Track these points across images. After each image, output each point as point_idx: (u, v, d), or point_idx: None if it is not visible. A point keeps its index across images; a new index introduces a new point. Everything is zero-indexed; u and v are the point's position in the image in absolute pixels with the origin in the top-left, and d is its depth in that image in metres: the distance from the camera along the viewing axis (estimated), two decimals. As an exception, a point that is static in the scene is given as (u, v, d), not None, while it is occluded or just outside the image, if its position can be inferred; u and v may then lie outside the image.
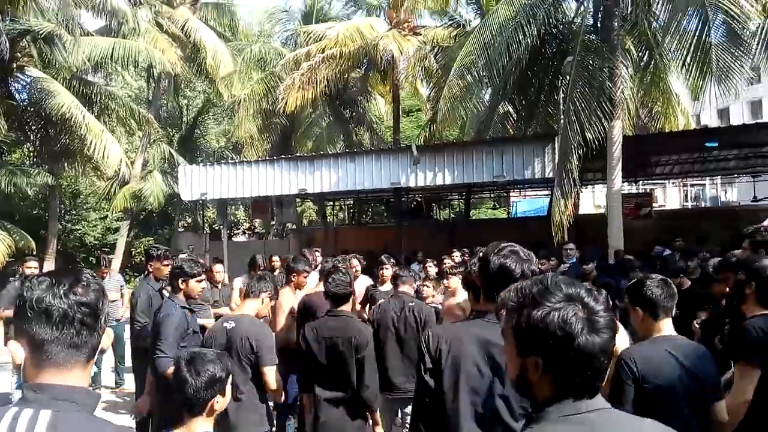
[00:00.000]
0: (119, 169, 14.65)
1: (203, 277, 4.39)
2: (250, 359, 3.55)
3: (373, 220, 26.20)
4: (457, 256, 8.15)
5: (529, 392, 1.31)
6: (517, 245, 2.27)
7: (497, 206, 25.47)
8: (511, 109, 13.63)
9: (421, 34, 15.52)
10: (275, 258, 7.62)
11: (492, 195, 22.11)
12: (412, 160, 11.47)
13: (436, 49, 14.97)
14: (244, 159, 16.73)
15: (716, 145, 12.27)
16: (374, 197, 20.85)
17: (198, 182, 13.03)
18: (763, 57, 9.79)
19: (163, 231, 22.77)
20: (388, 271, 6.17)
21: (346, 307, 3.76)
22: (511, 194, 23.17)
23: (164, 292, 5.08)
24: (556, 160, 10.18)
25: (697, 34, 8.61)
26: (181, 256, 6.67)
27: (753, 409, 2.62)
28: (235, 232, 29.01)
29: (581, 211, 16.18)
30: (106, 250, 20.23)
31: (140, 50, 14.90)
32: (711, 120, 31.78)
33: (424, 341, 2.31)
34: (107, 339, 1.37)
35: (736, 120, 29.98)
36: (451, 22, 15.39)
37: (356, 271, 6.21)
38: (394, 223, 17.77)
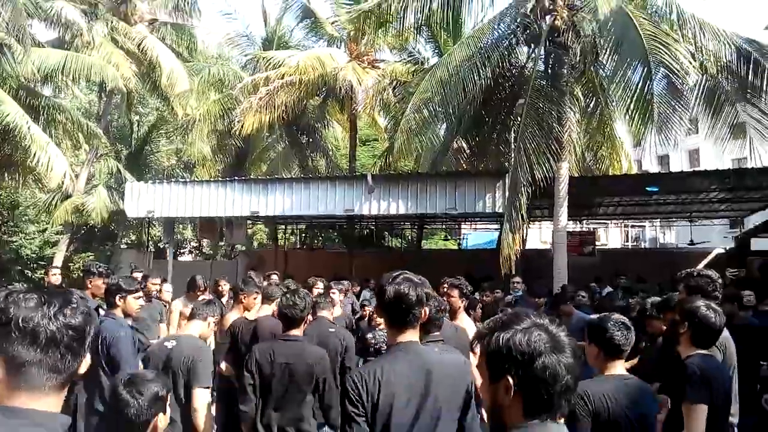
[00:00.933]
0: (63, 182, 14.11)
1: (141, 294, 4.30)
2: (185, 376, 3.47)
3: (324, 245, 26.07)
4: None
5: (501, 419, 1.37)
6: (409, 272, 2.33)
7: (448, 237, 25.84)
8: (464, 145, 13.98)
9: (380, 68, 15.82)
10: (222, 282, 7.44)
11: (444, 226, 22.45)
12: (366, 189, 11.57)
13: (394, 83, 15.26)
14: (195, 178, 16.47)
15: (657, 190, 12.92)
16: (327, 223, 20.81)
17: (145, 199, 12.71)
18: (700, 110, 10.48)
19: (104, 247, 21.90)
20: (335, 296, 6.20)
21: (298, 332, 3.71)
22: (463, 226, 23.58)
23: (100, 310, 4.91)
24: (506, 196, 10.48)
25: (639, 85, 9.09)
26: (135, 274, 6.46)
27: None
28: (181, 251, 28.24)
29: (528, 246, 16.60)
30: (43, 264, 19.30)
31: (93, 65, 14.57)
32: (652, 165, 33.39)
33: (350, 386, 2.16)
34: (84, 365, 1.29)
35: (675, 167, 31.62)
36: (410, 58, 15.77)
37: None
38: (346, 250, 17.75)
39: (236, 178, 13.60)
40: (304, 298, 3.77)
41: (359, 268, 15.15)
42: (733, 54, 9.68)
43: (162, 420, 2.28)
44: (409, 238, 22.69)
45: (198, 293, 6.39)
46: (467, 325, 4.69)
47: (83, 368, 1.29)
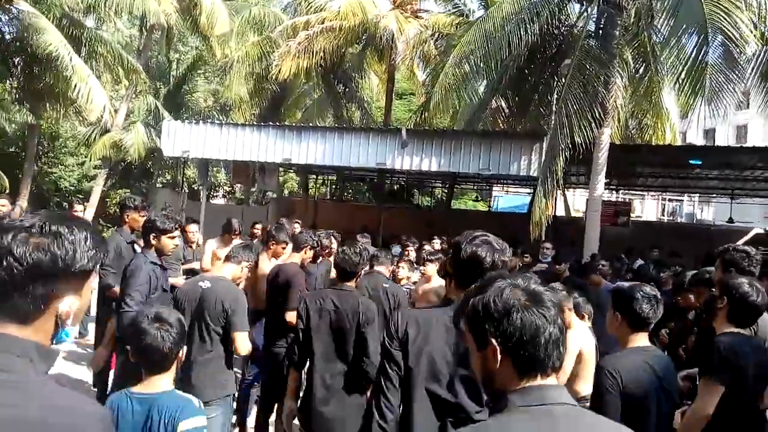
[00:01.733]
0: (102, 116, 14.32)
1: (177, 233, 4.32)
2: (221, 322, 3.52)
3: (354, 198, 26.17)
4: (436, 243, 8.19)
5: (494, 386, 1.34)
6: (491, 235, 2.27)
7: (479, 198, 25.62)
8: (503, 104, 13.64)
9: (423, 18, 15.39)
10: (258, 225, 7.54)
11: (475, 187, 22.23)
12: (400, 143, 11.43)
13: (436, 35, 14.85)
14: (231, 121, 16.52)
15: (700, 163, 12.47)
16: (358, 175, 20.80)
17: (181, 139, 12.82)
18: (755, 83, 9.95)
19: (140, 185, 22.40)
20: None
21: (352, 284, 3.73)
22: (494, 188, 23.33)
23: (136, 246, 5.01)
24: (543, 160, 10.24)
25: (694, 53, 8.67)
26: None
27: (715, 422, 2.76)
28: (214, 194, 28.72)
29: (560, 213, 16.35)
30: (80, 197, 19.88)
31: (135, -2, 14.50)
32: (697, 139, 32.22)
33: (393, 322, 2.29)
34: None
35: (721, 142, 30.46)
36: (454, 9, 15.26)
37: (329, 251, 6.13)
38: (375, 204, 17.79)
39: (271, 123, 13.57)
40: (360, 252, 3.77)
41: (387, 223, 15.19)
42: (800, 25, 9.09)
43: (183, 352, 2.40)
44: (439, 196, 22.56)
45: (233, 236, 6.47)
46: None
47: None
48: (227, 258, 3.84)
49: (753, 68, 9.75)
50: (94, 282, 1.52)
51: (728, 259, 3.59)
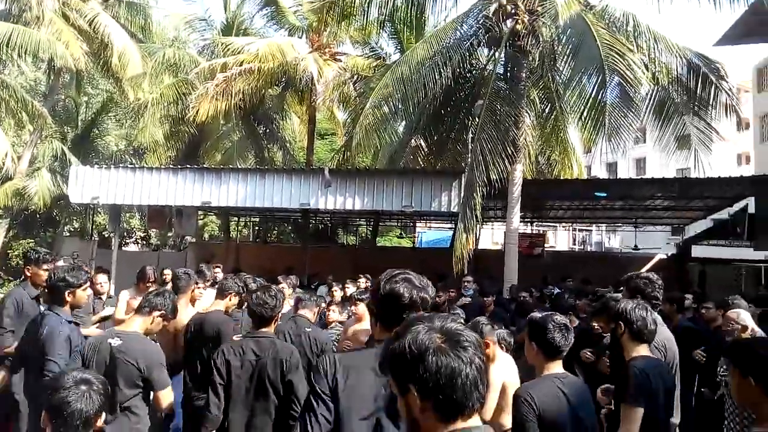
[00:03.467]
0: (3, 163, 13.40)
1: (88, 284, 4.09)
2: (135, 382, 3.30)
3: (279, 239, 25.77)
4: (362, 282, 8.18)
5: None
6: (411, 273, 2.27)
7: (403, 235, 25.98)
8: (423, 143, 14.04)
9: (341, 61, 15.72)
10: (167, 272, 7.18)
11: (399, 223, 22.54)
12: (323, 183, 11.46)
13: (355, 77, 15.19)
14: (145, 165, 15.94)
15: (605, 195, 13.33)
16: (281, 216, 20.55)
17: (90, 184, 12.19)
18: (649, 119, 10.86)
19: (46, 234, 20.99)
20: (285, 289, 6.12)
21: (269, 329, 3.59)
22: (418, 224, 23.74)
23: (41, 300, 4.66)
24: (462, 196, 10.58)
25: (593, 92, 9.34)
26: (59, 263, 6.10)
27: None
28: (127, 241, 27.35)
29: (481, 246, 16.85)
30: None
31: (41, 41, 13.86)
32: (600, 172, 34.53)
33: (321, 366, 2.22)
34: None
35: (622, 174, 32.77)
36: (371, 53, 15.75)
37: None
38: (300, 245, 17.58)
39: (188, 166, 13.22)
40: (275, 295, 3.66)
41: (313, 263, 15.03)
42: (684, 67, 10.07)
43: (101, 419, 2.22)
44: (364, 234, 22.67)
45: (148, 284, 6.13)
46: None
47: None
48: (138, 309, 3.61)
49: (647, 106, 10.66)
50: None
51: (633, 286, 3.84)
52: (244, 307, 5.46)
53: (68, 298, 3.84)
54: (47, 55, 14.59)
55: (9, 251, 18.45)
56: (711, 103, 10.02)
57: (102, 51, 16.44)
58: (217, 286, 4.81)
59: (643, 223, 18.39)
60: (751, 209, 14.14)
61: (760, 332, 4.97)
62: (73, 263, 7.43)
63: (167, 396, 3.40)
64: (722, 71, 10.01)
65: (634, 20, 10.04)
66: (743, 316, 4.65)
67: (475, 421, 1.29)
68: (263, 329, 3.55)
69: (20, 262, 8.47)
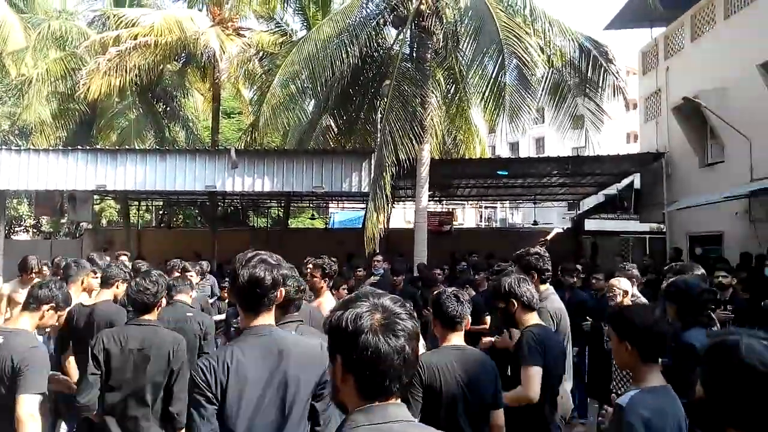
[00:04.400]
0: None
1: None
2: (6, 381, 3.00)
3: (185, 223, 24.75)
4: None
5: (339, 400, 1.37)
6: (264, 253, 2.24)
7: (315, 216, 25.78)
8: (332, 123, 13.96)
9: (245, 36, 15.16)
10: (64, 262, 6.68)
11: (311, 205, 22.34)
12: (230, 164, 11.12)
13: (260, 54, 14.73)
14: (32, 146, 14.67)
15: (507, 173, 13.95)
16: (186, 200, 19.72)
17: (-31, 169, 11.09)
18: (546, 100, 11.42)
19: None
20: (193, 279, 5.93)
21: (152, 316, 3.46)
22: (330, 205, 23.67)
23: None
24: (372, 176, 10.67)
25: (494, 74, 9.69)
26: None
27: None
28: (17, 229, 25.21)
29: (393, 226, 17.12)
30: None
31: None
32: (504, 151, 36.01)
33: (198, 372, 2.08)
34: None
35: (524, 153, 34.36)
36: (277, 28, 15.30)
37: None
38: (208, 229, 17.00)
39: (80, 147, 12.31)
40: (157, 281, 3.50)
41: (222, 247, 14.61)
42: (576, 50, 10.65)
43: None
44: (276, 216, 22.28)
45: (32, 276, 5.67)
46: (329, 305, 4.68)
47: None
48: (24, 305, 3.30)
49: (543, 88, 11.20)
50: None
51: (524, 263, 4.07)
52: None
53: None
54: None
55: None
56: (601, 84, 10.69)
57: (-24, 21, 14.83)
58: (100, 275, 4.53)
59: (541, 199, 19.45)
60: (637, 185, 15.38)
61: (641, 297, 5.44)
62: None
63: (30, 402, 2.93)
64: (610, 55, 10.68)
65: (530, 4, 10.46)
66: (623, 282, 5.06)
67: (393, 401, 1.32)
68: (146, 317, 3.43)
69: None
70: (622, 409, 2.22)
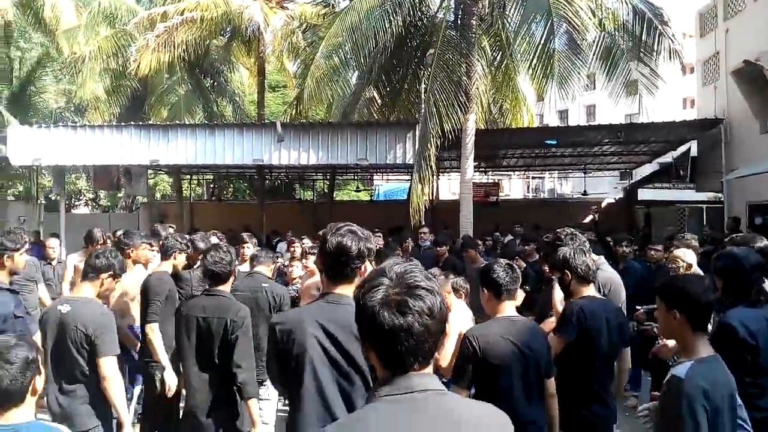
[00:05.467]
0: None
1: (25, 249, 3.97)
2: (86, 348, 3.23)
3: (234, 196, 25.33)
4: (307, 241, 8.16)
5: (376, 375, 1.39)
6: (354, 225, 2.31)
7: (360, 188, 25.91)
8: (376, 95, 13.87)
9: (288, 9, 15.15)
10: (119, 233, 7.00)
11: (356, 177, 22.45)
12: (276, 138, 11.24)
13: (304, 26, 14.71)
14: (88, 122, 15.25)
15: (555, 142, 13.60)
16: (235, 173, 20.15)
17: (31, 145, 11.60)
18: (597, 66, 11.01)
19: (-13, 199, 20.00)
20: (248, 250, 6.07)
21: (225, 287, 3.59)
22: (375, 177, 23.73)
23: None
24: (416, 147, 10.59)
25: (542, 40, 9.38)
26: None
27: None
28: (76, 203, 26.41)
29: (439, 197, 17.05)
30: None
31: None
32: (552, 119, 35.02)
33: (271, 330, 2.26)
34: None
35: (573, 121, 33.33)
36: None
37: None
38: (257, 201, 17.36)
39: (133, 123, 12.70)
40: (229, 251, 3.65)
41: (271, 220, 14.92)
42: (630, 13, 10.18)
43: (39, 381, 2.20)
44: (321, 188, 22.51)
45: (97, 247, 5.95)
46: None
47: None
48: (83, 276, 3.49)
49: (594, 53, 10.79)
50: None
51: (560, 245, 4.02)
52: (197, 265, 5.42)
53: (7, 263, 3.72)
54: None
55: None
56: (655, 48, 10.21)
57: (32, 1, 15.36)
58: (157, 247, 4.70)
59: (592, 168, 18.92)
60: (694, 152, 14.73)
61: (698, 270, 5.26)
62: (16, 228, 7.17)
63: (110, 363, 3.26)
64: (666, 17, 10.17)
65: (582, -36, 10.00)
66: (689, 255, 4.88)
67: (418, 372, 1.32)
68: (219, 287, 3.55)
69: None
70: (680, 380, 2.17)
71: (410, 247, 8.08)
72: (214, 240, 6.26)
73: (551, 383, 3.05)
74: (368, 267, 2.33)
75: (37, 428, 2.14)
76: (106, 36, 15.77)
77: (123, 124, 12.74)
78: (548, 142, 13.30)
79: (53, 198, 19.32)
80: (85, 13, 16.01)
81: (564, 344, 3.27)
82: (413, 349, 1.29)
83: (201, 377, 3.41)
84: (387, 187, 25.22)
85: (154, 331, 4.17)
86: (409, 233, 9.16)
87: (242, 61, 18.46)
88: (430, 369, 1.34)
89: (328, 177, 19.39)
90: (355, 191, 25.55)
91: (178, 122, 14.03)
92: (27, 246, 4.02)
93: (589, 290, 3.42)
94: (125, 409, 3.39)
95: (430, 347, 1.32)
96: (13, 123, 14.24)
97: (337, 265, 2.22)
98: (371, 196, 24.89)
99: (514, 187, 30.78)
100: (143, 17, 14.59)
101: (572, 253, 3.38)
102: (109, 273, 3.47)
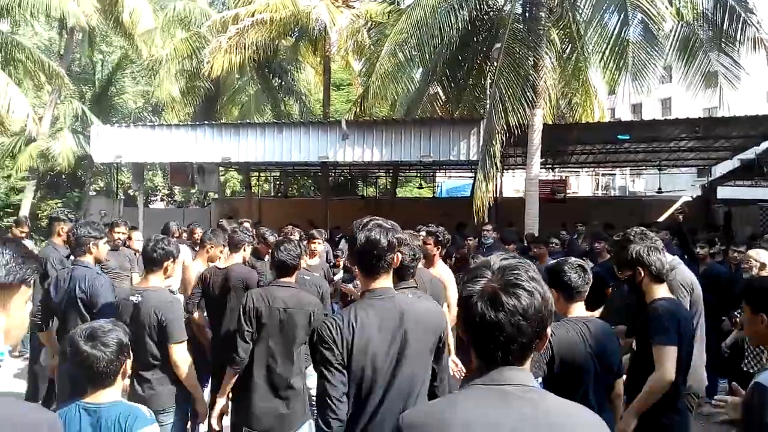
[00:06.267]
0: (26, 125, 13.59)
1: (107, 239, 4.24)
2: (157, 334, 3.42)
3: (299, 193, 25.92)
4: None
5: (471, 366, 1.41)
6: (379, 218, 2.30)
7: (423, 185, 25.89)
8: (440, 91, 13.80)
9: (354, 7, 15.32)
10: (198, 229, 7.34)
11: (418, 174, 22.44)
12: (341, 135, 11.41)
13: (369, 24, 14.84)
14: (164, 122, 16.02)
15: (628, 137, 13.03)
16: (301, 170, 20.59)
17: (112, 143, 12.32)
18: (674, 57, 10.49)
19: (72, 194, 21.42)
20: (319, 246, 6.20)
21: (291, 279, 3.68)
22: (437, 174, 23.63)
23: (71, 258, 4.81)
24: (481, 144, 10.47)
25: (616, 30, 9.04)
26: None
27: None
28: (152, 198, 27.81)
29: (503, 194, 16.78)
30: (10, 211, 18.81)
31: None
32: (625, 114, 33.60)
33: (325, 332, 2.15)
34: None
35: (648, 115, 31.86)
36: (385, -3, 15.28)
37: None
38: (321, 198, 17.69)
39: (207, 122, 13.24)
40: (298, 245, 3.80)
41: (334, 216, 15.16)
42: (710, 1, 9.62)
43: (129, 364, 2.36)
44: (384, 185, 22.65)
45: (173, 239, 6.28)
46: (444, 273, 4.65)
47: None
48: (148, 269, 3.65)
49: (671, 43, 10.28)
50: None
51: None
52: (267, 258, 5.58)
53: (93, 250, 3.96)
54: (58, 13, 14.52)
55: (38, 212, 18.92)
56: (738, 38, 9.61)
57: (112, 7, 16.30)
58: (229, 241, 4.86)
59: (667, 165, 18.01)
60: (780, 148, 13.75)
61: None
62: (101, 222, 7.65)
63: (181, 349, 3.44)
64: (750, 3, 9.54)
65: (659, -48, 9.56)
66: (762, 254, 4.61)
67: (511, 366, 1.31)
68: (285, 279, 3.64)
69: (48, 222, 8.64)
70: (764, 389, 2.04)
71: (474, 245, 8.01)
72: (296, 236, 6.45)
73: (620, 384, 2.96)
74: (399, 257, 2.34)
75: (120, 407, 2.27)
76: (182, 39, 16.52)
77: (197, 123, 13.31)
78: (621, 137, 12.76)
79: (132, 193, 20.47)
80: (162, 16, 16.80)
81: (675, 354, 2.92)
82: (504, 346, 1.29)
83: (277, 368, 3.46)
84: (450, 184, 25.05)
85: None
86: (472, 230, 9.08)
87: (308, 61, 18.85)
88: (526, 365, 1.34)
89: (390, 174, 19.49)
90: (418, 188, 25.56)
91: (248, 121, 14.51)
92: (107, 237, 4.24)
93: (663, 290, 3.26)
94: (200, 392, 3.56)
95: (522, 347, 1.30)
96: (96, 122, 15.15)
97: (370, 259, 2.22)
98: (434, 192, 24.80)
99: (582, 183, 29.83)
100: (216, 20, 15.17)
101: (645, 250, 3.21)
102: (170, 260, 3.64)
